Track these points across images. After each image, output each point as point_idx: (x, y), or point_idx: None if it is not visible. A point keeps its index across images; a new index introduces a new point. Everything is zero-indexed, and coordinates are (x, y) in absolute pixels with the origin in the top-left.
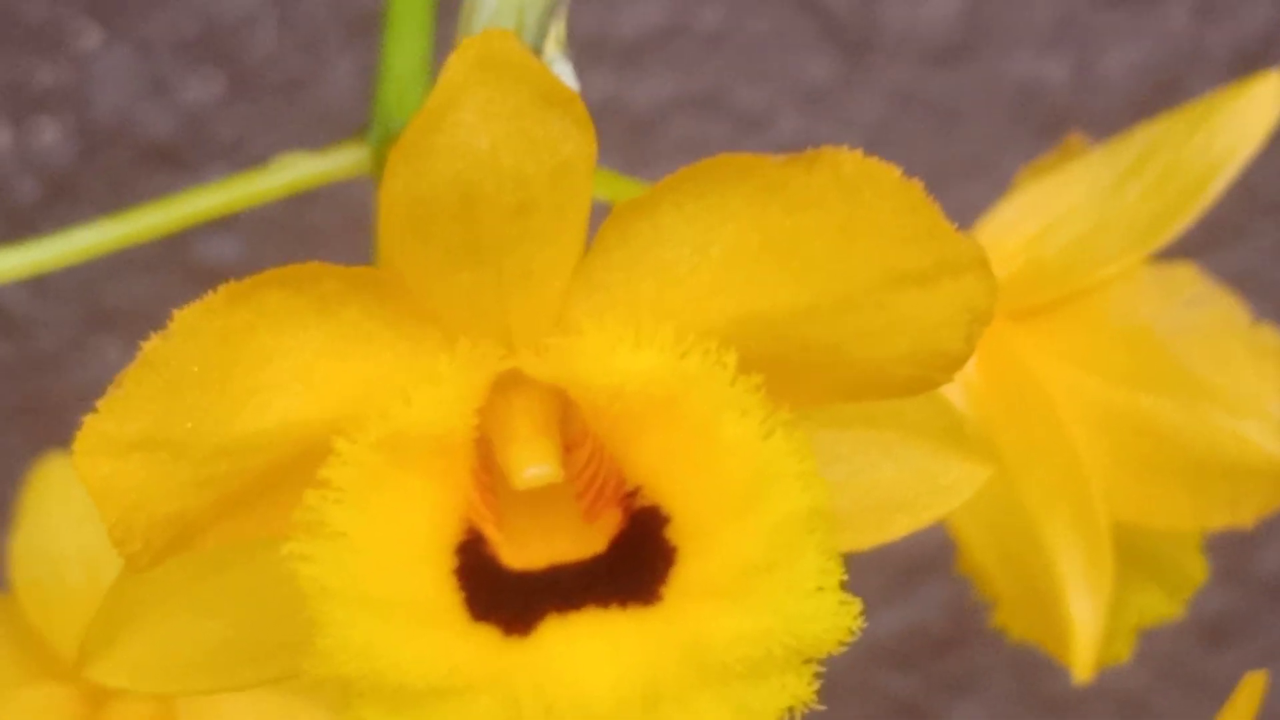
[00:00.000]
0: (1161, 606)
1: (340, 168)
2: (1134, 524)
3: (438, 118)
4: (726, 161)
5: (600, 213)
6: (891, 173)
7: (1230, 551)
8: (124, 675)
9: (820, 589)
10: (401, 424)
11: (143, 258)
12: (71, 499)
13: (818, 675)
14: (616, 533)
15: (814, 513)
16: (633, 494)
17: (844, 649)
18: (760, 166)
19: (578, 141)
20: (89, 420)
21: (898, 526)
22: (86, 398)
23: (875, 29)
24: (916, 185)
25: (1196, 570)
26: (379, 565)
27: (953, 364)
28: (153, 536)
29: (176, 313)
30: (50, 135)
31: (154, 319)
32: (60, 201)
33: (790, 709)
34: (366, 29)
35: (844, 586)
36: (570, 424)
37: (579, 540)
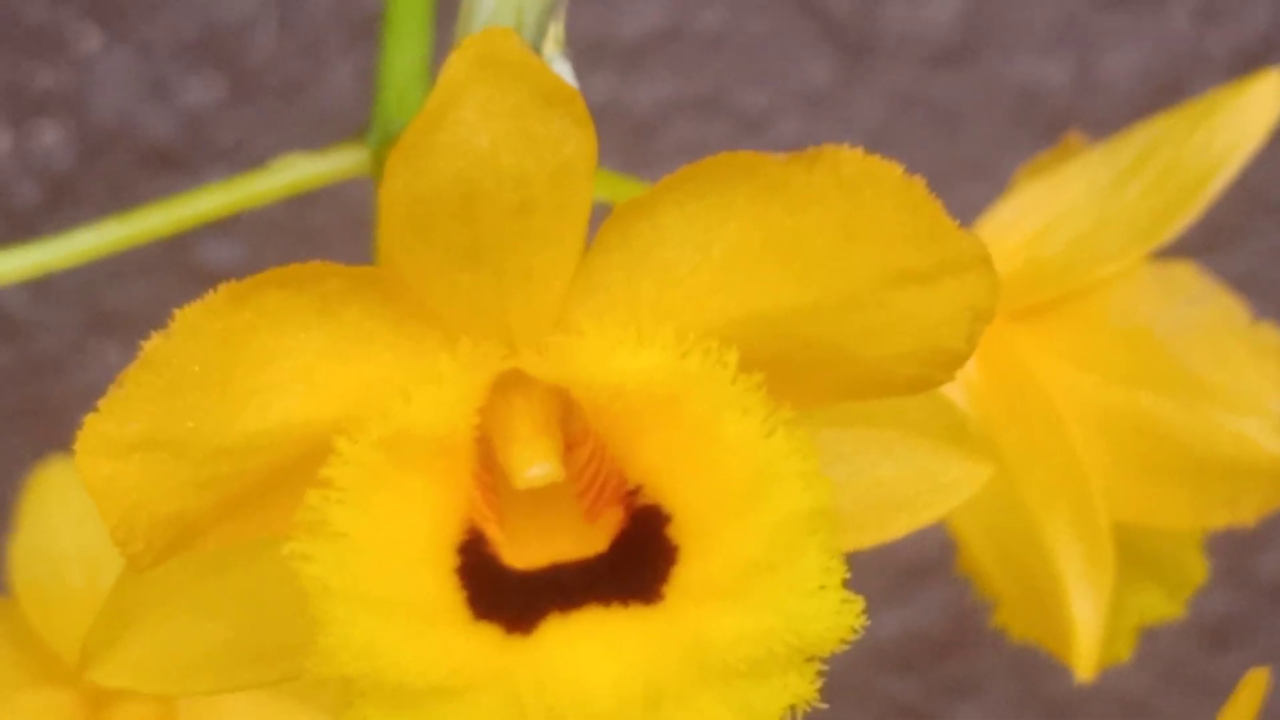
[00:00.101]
0: (1162, 606)
1: (340, 169)
2: (1134, 523)
3: (438, 116)
4: (728, 160)
5: (601, 214)
6: (893, 171)
7: (1231, 553)
8: (126, 676)
9: (822, 588)
10: (403, 424)
11: (143, 260)
12: (72, 501)
13: (819, 677)
14: (618, 532)
15: (816, 512)
16: (634, 493)
17: (845, 652)
18: (761, 165)
19: (578, 140)
20: (89, 420)
21: (898, 525)
22: (87, 400)
23: (876, 31)
24: (918, 183)
25: (1197, 570)
26: (380, 565)
27: (954, 362)
28: (154, 537)
29: (177, 312)
30: (50, 138)
31: (155, 322)
32: (61, 204)
33: (792, 708)
34: (367, 31)
35: (845, 586)
36: (571, 423)
37: (580, 539)
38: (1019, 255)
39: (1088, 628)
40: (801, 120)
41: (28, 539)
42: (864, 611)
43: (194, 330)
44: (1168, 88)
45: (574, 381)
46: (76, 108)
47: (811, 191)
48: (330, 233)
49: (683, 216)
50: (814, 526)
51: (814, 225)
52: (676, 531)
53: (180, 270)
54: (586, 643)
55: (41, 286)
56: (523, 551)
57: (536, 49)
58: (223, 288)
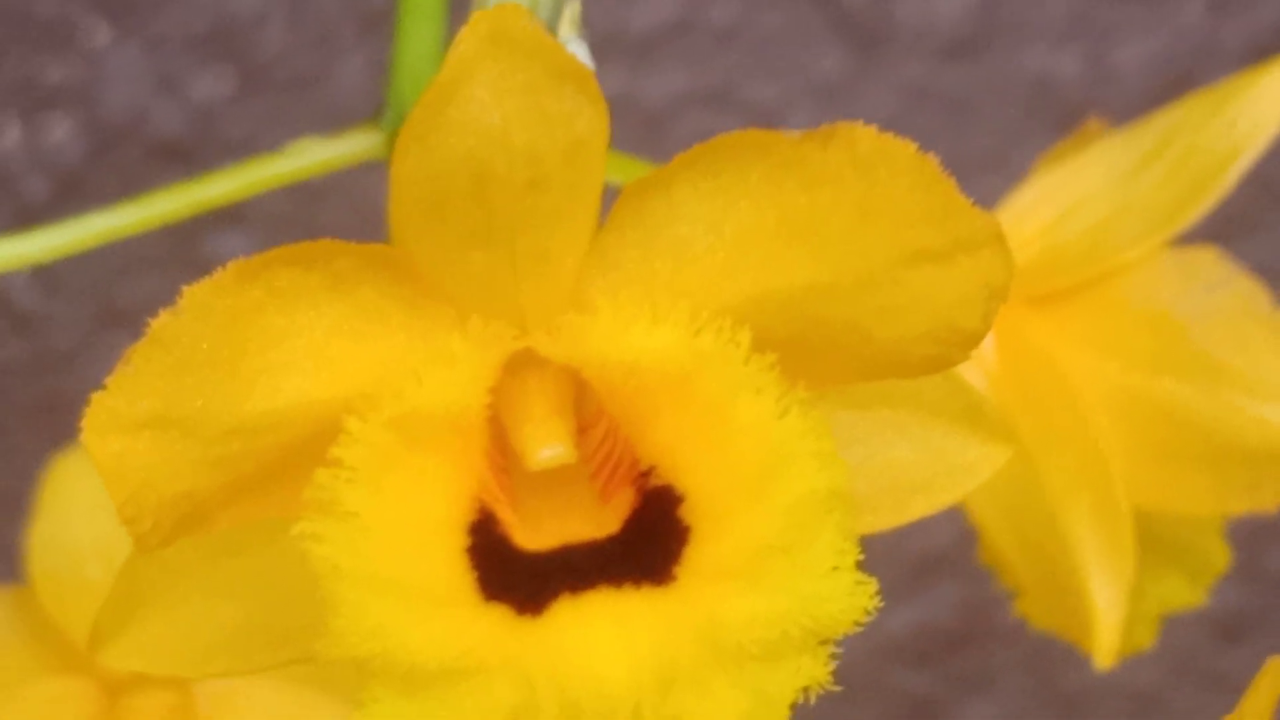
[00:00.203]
0: (1184, 594)
1: (354, 152)
2: (1155, 510)
3: (449, 92)
4: (742, 139)
5: (613, 196)
6: (907, 149)
7: (1243, 547)
8: (136, 658)
9: (836, 569)
10: (414, 403)
11: (153, 255)
12: (89, 491)
13: (829, 675)
14: (630, 513)
15: (830, 493)
16: (646, 474)
17: (857, 645)
18: (776, 144)
19: (591, 117)
20: (98, 397)
21: (915, 508)
22: None
23: (888, 23)
24: (932, 162)
25: (1218, 557)
26: (391, 545)
27: (970, 341)
28: (162, 516)
29: (186, 290)
30: (60, 133)
31: None
32: (70, 199)
33: (805, 692)
34: (377, 25)
35: (860, 565)
36: (584, 404)
37: (592, 521)
38: (1038, 241)
39: (1108, 615)
40: (813, 113)
41: (45, 529)
42: (877, 606)
43: (203, 308)
44: (1180, 79)
45: (586, 361)
46: (86, 102)
47: (826, 170)
48: (340, 227)
49: (696, 195)
50: (828, 507)
51: (828, 204)
52: (689, 512)
53: (190, 265)
54: (598, 624)
55: (52, 281)
56: (534, 533)
57: (552, 30)
58: (232, 265)
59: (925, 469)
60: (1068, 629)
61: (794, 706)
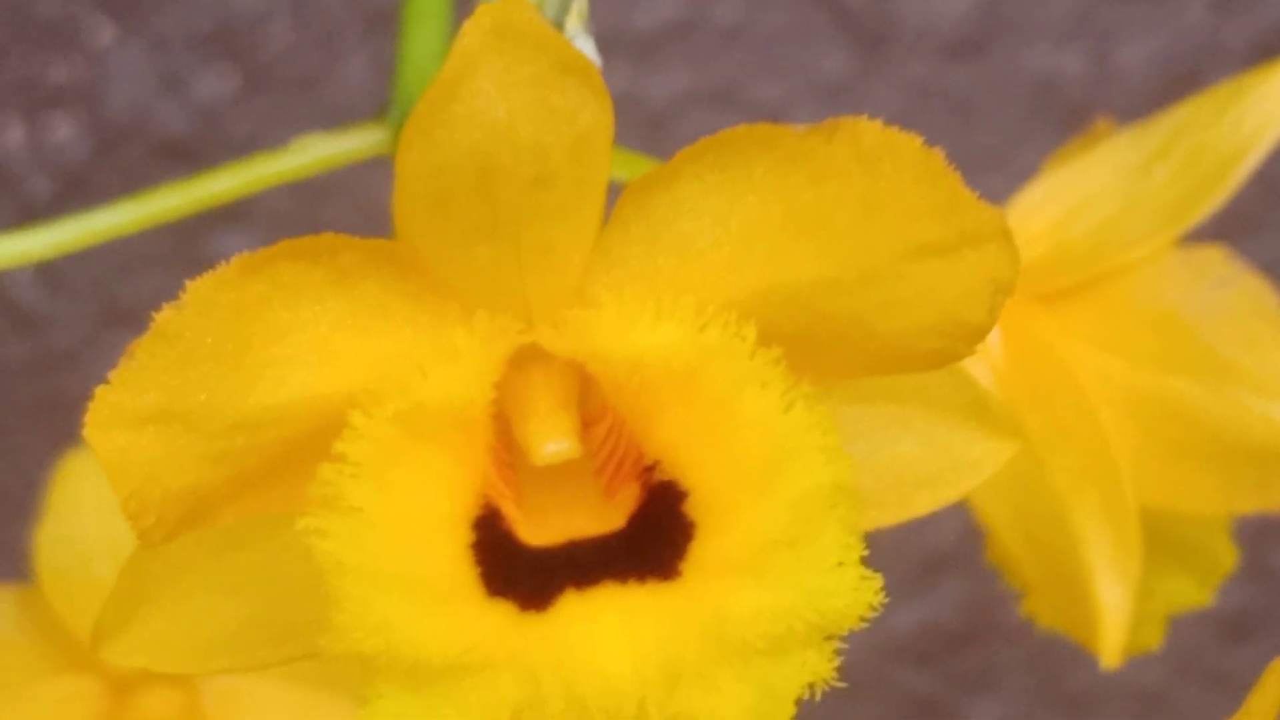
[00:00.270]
0: (1191, 593)
1: (360, 148)
2: (1162, 509)
3: (453, 86)
4: (747, 133)
5: (618, 191)
6: (912, 143)
7: (1249, 546)
8: (140, 655)
9: (841, 564)
10: (419, 398)
11: (156, 254)
12: (98, 490)
13: (835, 669)
14: (635, 508)
15: (835, 487)
16: (651, 469)
17: (861, 644)
18: (781, 138)
19: (596, 111)
20: (101, 392)
21: (920, 503)
22: None
23: (891, 22)
24: (937, 156)
25: (1226, 556)
26: (395, 540)
27: (975, 335)
28: (166, 511)
29: (189, 284)
30: (64, 132)
31: None
32: (74, 198)
33: (810, 687)
34: (381, 24)
35: (865, 563)
36: (589, 399)
37: (597, 516)
38: (1046, 239)
39: (1115, 613)
40: (816, 112)
41: (53, 528)
42: (882, 602)
43: (207, 302)
44: (1184, 78)
45: (591, 355)
46: (90, 101)
47: (831, 164)
48: (343, 226)
49: (701, 189)
50: (833, 502)
51: (834, 197)
52: (694, 507)
53: (193, 263)
54: (603, 619)
55: (55, 281)
56: (539, 528)
57: (559, 25)
58: (236, 259)
59: (930, 464)
60: (1074, 628)
61: (799, 704)
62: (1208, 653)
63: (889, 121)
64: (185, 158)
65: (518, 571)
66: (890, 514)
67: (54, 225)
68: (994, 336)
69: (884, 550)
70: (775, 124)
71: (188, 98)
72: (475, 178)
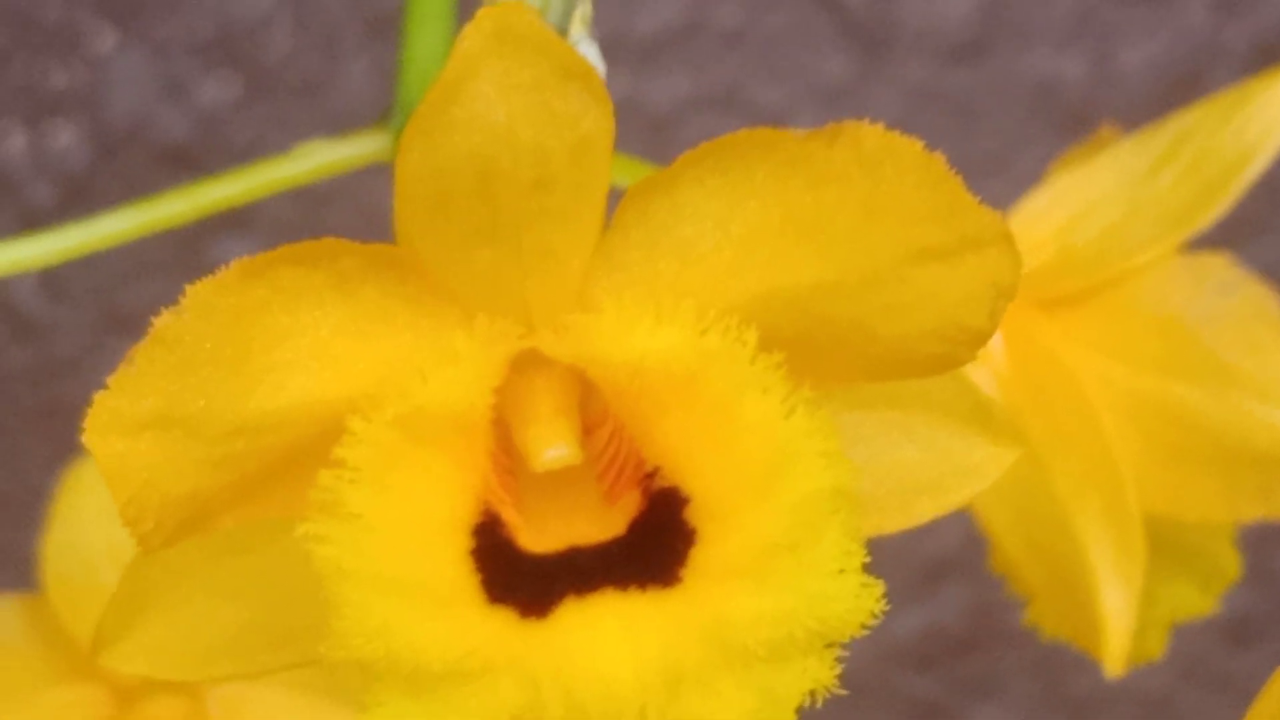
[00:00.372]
0: (1195, 600)
1: (362, 154)
2: (1165, 516)
3: (453, 90)
4: (748, 137)
5: (619, 199)
6: (913, 147)
7: (1254, 551)
8: (141, 661)
9: (842, 570)
10: (418, 403)
11: (158, 260)
12: (103, 497)
13: (837, 675)
14: (636, 515)
15: (836, 492)
16: (652, 475)
17: (864, 649)
18: (782, 141)
19: (597, 115)
20: (100, 397)
21: (922, 509)
22: None
23: (893, 26)
24: (938, 160)
25: (1229, 564)
26: (395, 546)
27: (977, 340)
28: (165, 517)
29: (189, 288)
30: (65, 138)
31: None
32: (76, 205)
33: (812, 693)
34: (383, 29)
35: (867, 568)
36: (590, 405)
37: (598, 522)
38: (1050, 244)
39: (1118, 620)
40: (818, 115)
41: (59, 536)
42: (884, 609)
43: (206, 307)
44: (1185, 81)
45: (592, 360)
46: (91, 107)
47: (832, 168)
48: (345, 232)
49: (702, 193)
50: (834, 507)
51: (835, 201)
52: (695, 513)
53: (195, 270)
54: (604, 626)
55: (57, 288)
56: (539, 534)
57: (562, 30)
58: (235, 264)
59: (932, 470)
60: (1078, 636)
61: (800, 710)
62: (1212, 657)
63: (890, 125)
64: (187, 164)
65: (518, 578)
66: (892, 520)
67: (56, 232)
68: (996, 342)
69: (886, 555)
70: (776, 128)
71: (189, 104)
72: (475, 181)
